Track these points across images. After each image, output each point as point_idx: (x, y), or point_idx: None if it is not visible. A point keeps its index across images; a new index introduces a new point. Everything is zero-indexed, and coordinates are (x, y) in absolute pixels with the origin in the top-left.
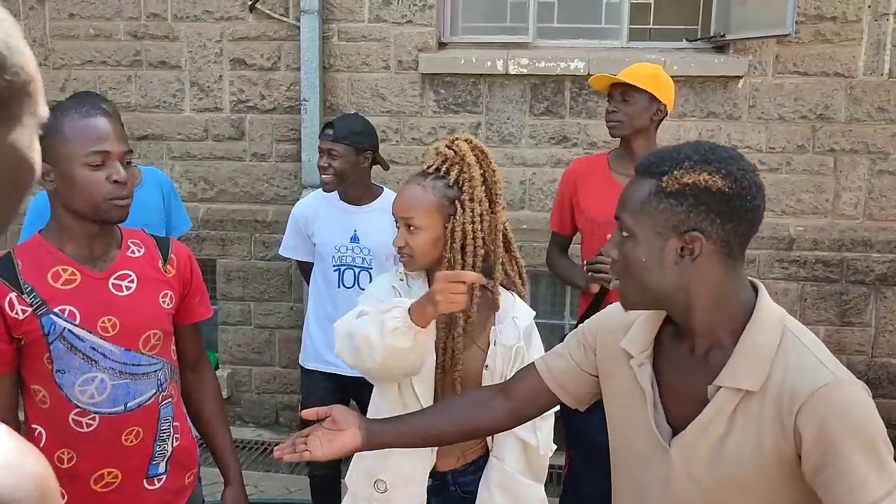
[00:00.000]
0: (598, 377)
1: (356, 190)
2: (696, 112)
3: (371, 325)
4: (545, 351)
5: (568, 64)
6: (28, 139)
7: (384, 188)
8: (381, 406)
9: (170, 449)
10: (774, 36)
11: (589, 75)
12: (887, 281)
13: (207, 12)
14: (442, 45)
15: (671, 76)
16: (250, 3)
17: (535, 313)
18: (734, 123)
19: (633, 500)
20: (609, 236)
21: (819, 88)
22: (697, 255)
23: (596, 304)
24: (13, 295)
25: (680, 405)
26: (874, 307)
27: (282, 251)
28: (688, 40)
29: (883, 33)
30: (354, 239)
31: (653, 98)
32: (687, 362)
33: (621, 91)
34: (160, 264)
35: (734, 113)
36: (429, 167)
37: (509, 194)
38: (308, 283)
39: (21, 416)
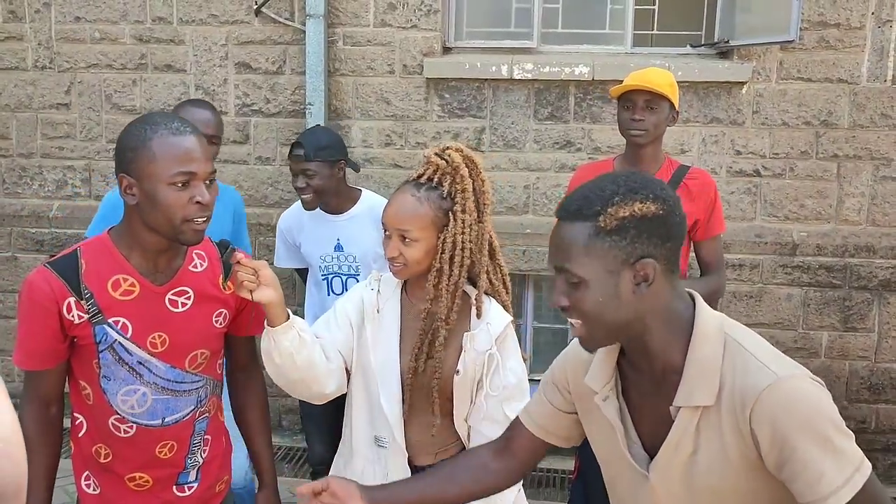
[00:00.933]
0: (577, 414)
1: (336, 200)
2: (699, 118)
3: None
4: (521, 356)
5: (572, 69)
6: None
7: (361, 190)
8: (352, 415)
9: (200, 460)
10: (778, 42)
11: (593, 80)
12: (890, 286)
13: (213, 16)
14: (447, 50)
15: (676, 81)
16: (256, 7)
17: (510, 319)
18: (738, 129)
19: None
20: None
21: (822, 94)
22: (652, 279)
23: None
24: (72, 299)
25: (652, 430)
26: (877, 313)
27: (276, 262)
28: (692, 46)
29: (886, 40)
30: (339, 248)
31: (671, 106)
32: (649, 387)
33: (646, 99)
34: (220, 280)
35: (738, 119)
36: (420, 176)
37: (513, 199)
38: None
39: None
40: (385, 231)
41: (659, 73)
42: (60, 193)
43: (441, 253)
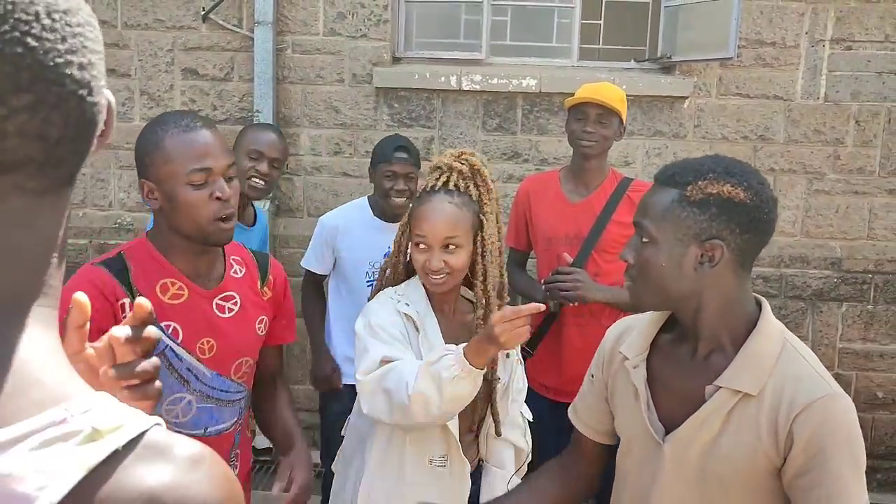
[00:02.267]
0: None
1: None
2: (643, 131)
3: (423, 380)
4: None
5: (520, 81)
6: None
7: None
8: (401, 441)
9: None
10: (718, 59)
11: (541, 93)
12: (823, 296)
13: (159, 21)
14: (396, 60)
15: (625, 97)
16: (203, 12)
17: None
18: (680, 142)
19: (628, 492)
20: (563, 256)
21: (759, 110)
22: (717, 262)
23: (551, 317)
24: (127, 300)
25: (673, 405)
26: (811, 321)
27: (304, 263)
28: (636, 61)
29: (819, 59)
30: (388, 255)
31: (621, 121)
32: (685, 364)
33: (598, 113)
34: (259, 286)
35: (680, 132)
36: (445, 183)
37: None
38: (310, 297)
39: None
40: (421, 244)
41: (611, 88)
42: None
43: (482, 256)
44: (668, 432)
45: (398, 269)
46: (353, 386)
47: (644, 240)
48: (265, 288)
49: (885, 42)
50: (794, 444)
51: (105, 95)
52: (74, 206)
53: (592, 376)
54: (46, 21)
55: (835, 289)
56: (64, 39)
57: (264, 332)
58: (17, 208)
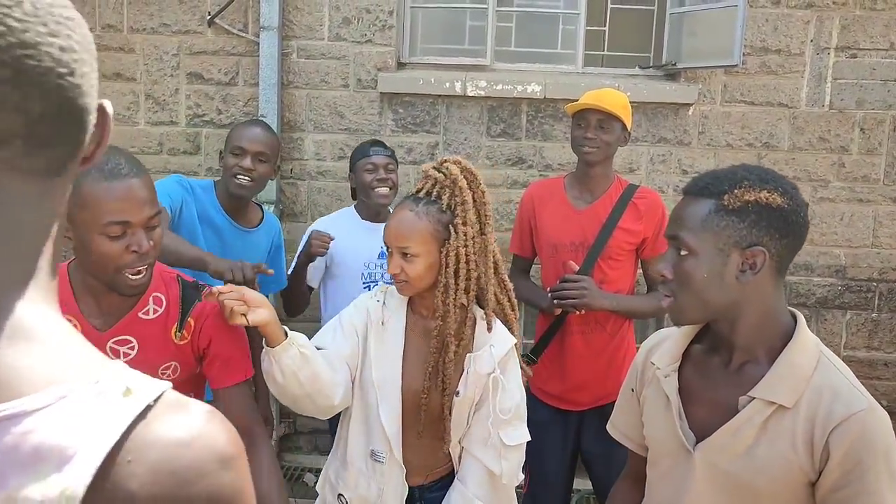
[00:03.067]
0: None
1: (386, 209)
2: (648, 137)
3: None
4: (522, 377)
5: (525, 87)
6: None
7: None
8: (348, 427)
9: None
10: (722, 66)
11: (545, 99)
12: (827, 304)
13: (165, 25)
14: (401, 65)
15: (629, 104)
16: (209, 17)
17: (515, 340)
18: (684, 149)
19: (656, 502)
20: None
21: (764, 118)
22: (760, 268)
23: (556, 324)
24: None
25: (704, 415)
26: (816, 329)
27: (291, 272)
28: (640, 67)
29: (824, 66)
30: (383, 255)
31: (623, 127)
32: (718, 375)
33: (600, 119)
34: (173, 330)
35: (684, 139)
36: (419, 191)
37: None
38: (292, 306)
39: None
40: (387, 248)
41: (614, 94)
42: None
43: (445, 267)
44: (699, 442)
45: None
46: None
47: (682, 252)
48: (182, 332)
49: (890, 50)
50: (830, 457)
51: (96, 98)
52: None
53: (633, 390)
54: (28, 7)
55: (839, 297)
56: (45, 24)
57: (174, 377)
58: (12, 187)
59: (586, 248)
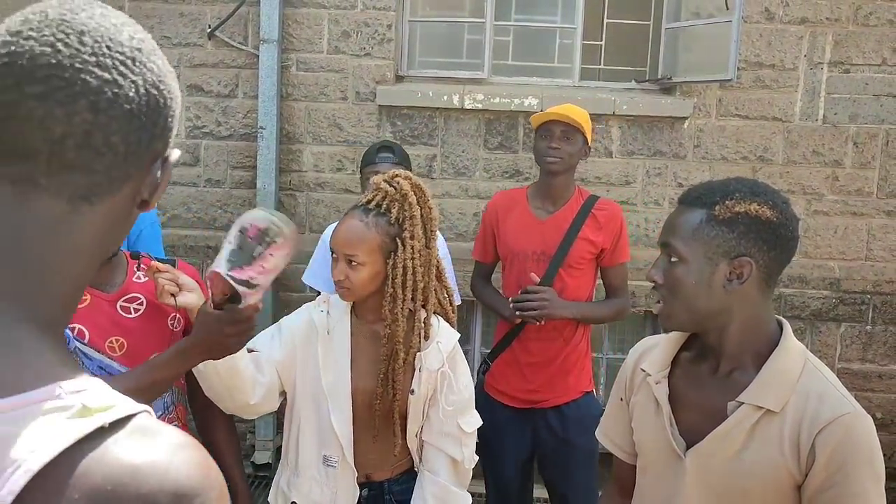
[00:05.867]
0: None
1: None
2: (643, 150)
3: None
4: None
5: (521, 101)
6: None
7: None
8: (298, 435)
9: None
10: (717, 80)
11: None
12: (822, 316)
13: (165, 38)
14: (399, 79)
15: (621, 115)
16: (209, 30)
17: (458, 335)
18: (680, 162)
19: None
20: (530, 276)
21: (758, 132)
22: (746, 278)
23: (515, 330)
24: None
25: (694, 421)
26: (810, 341)
27: (305, 278)
28: (636, 81)
29: (818, 81)
30: None
31: (585, 140)
32: (706, 381)
33: (563, 130)
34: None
35: (680, 152)
36: (369, 202)
37: (462, 225)
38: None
39: None
40: (332, 254)
41: (575, 108)
42: None
43: (393, 279)
44: (689, 447)
45: None
46: None
47: (673, 259)
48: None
49: (883, 65)
50: (815, 460)
51: (156, 143)
52: None
53: (622, 399)
54: (87, 39)
55: (833, 309)
56: (94, 54)
57: (179, 328)
58: (29, 202)
59: (547, 258)
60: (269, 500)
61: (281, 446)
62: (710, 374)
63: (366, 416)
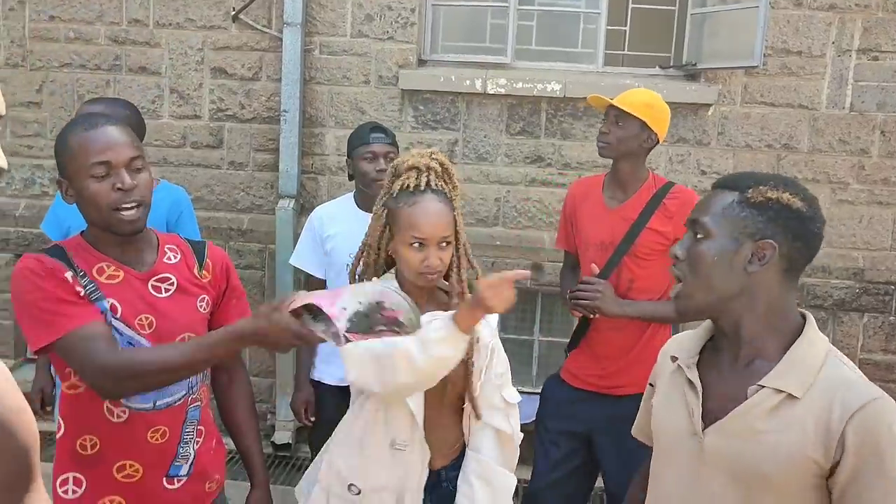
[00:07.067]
0: None
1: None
2: (667, 137)
3: (409, 341)
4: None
5: (544, 86)
6: None
7: None
8: (366, 421)
9: (192, 452)
10: (743, 67)
11: (565, 97)
12: (844, 306)
13: (190, 20)
14: (422, 63)
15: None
16: (233, 13)
17: None
18: (703, 149)
19: (664, 492)
20: (591, 267)
21: (784, 119)
22: (767, 261)
23: (583, 326)
24: (70, 273)
25: (713, 408)
26: (832, 331)
27: (292, 260)
28: (661, 67)
29: (845, 69)
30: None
31: (644, 125)
32: (727, 370)
33: (615, 114)
34: (196, 270)
35: (703, 139)
36: (427, 182)
37: (484, 211)
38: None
39: None
40: (415, 244)
41: (637, 93)
42: (28, 192)
43: (457, 250)
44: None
45: (377, 266)
46: (333, 386)
47: (699, 235)
48: (203, 271)
49: None
50: (846, 447)
51: None
52: None
53: (651, 385)
54: None
55: (856, 299)
56: None
57: (207, 310)
58: None
59: (613, 248)
60: (311, 474)
61: (301, 427)
62: (731, 364)
63: (436, 398)
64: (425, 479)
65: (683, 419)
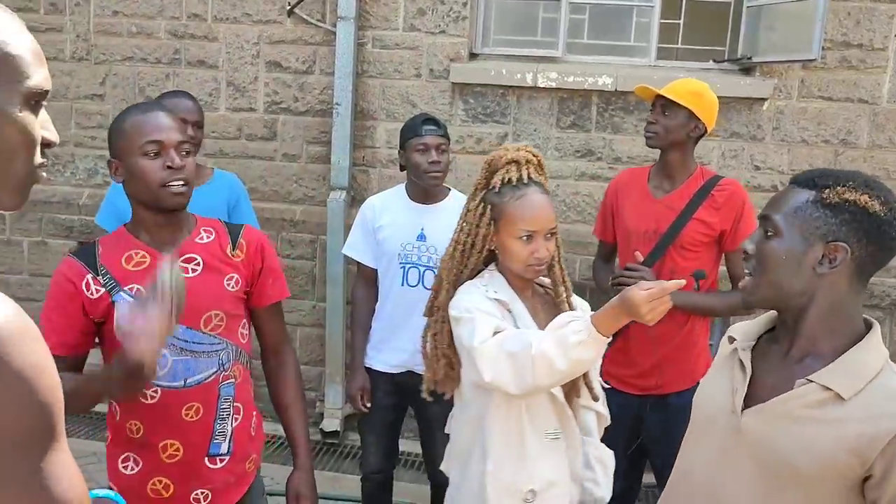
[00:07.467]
0: None
1: (432, 189)
2: (719, 132)
3: (547, 342)
4: None
5: (596, 79)
6: (6, 101)
7: (451, 189)
8: (521, 416)
9: (229, 429)
10: (800, 60)
11: (616, 91)
12: None
13: (247, 15)
14: (473, 56)
15: (705, 93)
16: (289, 7)
17: None
18: (757, 144)
19: (695, 477)
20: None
21: (842, 114)
22: (836, 265)
23: None
24: (90, 276)
25: (759, 392)
26: (889, 331)
27: (345, 250)
28: (715, 61)
29: None
30: (421, 237)
31: (692, 115)
32: (779, 361)
33: (663, 104)
34: (228, 249)
35: (758, 134)
36: (528, 175)
37: None
38: (357, 299)
39: None
40: (524, 237)
41: (684, 82)
42: (91, 182)
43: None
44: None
45: (478, 264)
46: (384, 373)
47: (769, 233)
48: (236, 251)
49: None
50: (894, 457)
51: None
52: None
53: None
54: None
55: None
56: None
57: (237, 288)
58: None
59: (658, 237)
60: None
61: (350, 415)
62: (784, 356)
63: (567, 386)
64: (581, 462)
65: (726, 396)
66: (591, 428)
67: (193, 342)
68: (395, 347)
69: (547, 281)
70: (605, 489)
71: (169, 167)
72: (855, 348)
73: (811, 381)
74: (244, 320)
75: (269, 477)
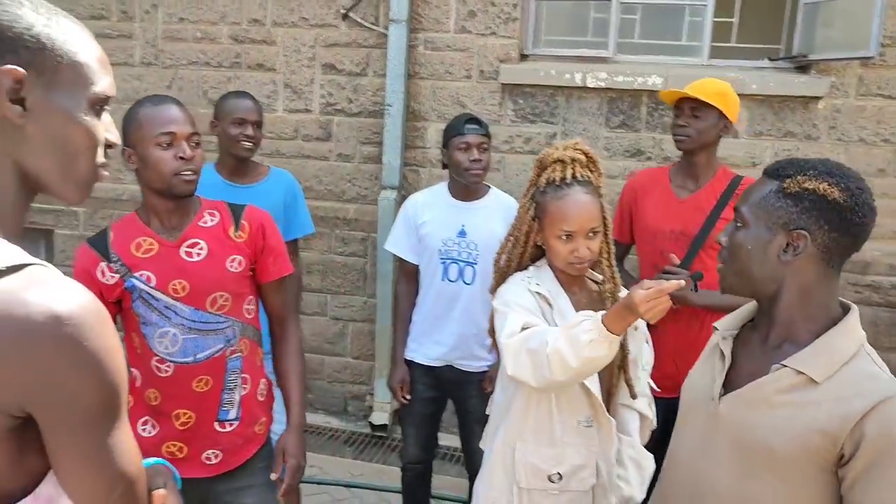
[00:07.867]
0: None
1: (473, 186)
2: (773, 131)
3: (561, 341)
4: None
5: (645, 79)
6: (73, 105)
7: (491, 187)
8: (551, 406)
9: (237, 397)
10: (857, 58)
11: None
12: None
13: (303, 19)
14: (523, 57)
15: (750, 95)
16: (343, 11)
17: None
18: (812, 144)
19: (679, 459)
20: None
21: None
22: (800, 252)
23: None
24: (104, 264)
25: (737, 379)
26: None
27: (387, 245)
28: (770, 59)
29: None
30: (462, 233)
31: (721, 115)
32: (757, 348)
33: (691, 106)
34: (231, 231)
35: (813, 133)
36: (573, 175)
37: None
38: (400, 294)
39: None
40: (564, 236)
41: (711, 82)
42: None
43: (605, 236)
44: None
45: (524, 257)
46: (423, 366)
47: (738, 224)
48: (239, 232)
49: None
50: (864, 437)
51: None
52: None
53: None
54: None
55: None
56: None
57: (241, 269)
58: None
59: (685, 238)
60: (494, 473)
61: (398, 409)
62: (761, 343)
63: (604, 377)
64: (615, 448)
65: (707, 384)
66: (630, 427)
67: (201, 322)
68: (434, 341)
69: (600, 277)
70: (636, 489)
71: (181, 158)
72: (829, 333)
73: (785, 366)
74: (250, 296)
75: (317, 467)
